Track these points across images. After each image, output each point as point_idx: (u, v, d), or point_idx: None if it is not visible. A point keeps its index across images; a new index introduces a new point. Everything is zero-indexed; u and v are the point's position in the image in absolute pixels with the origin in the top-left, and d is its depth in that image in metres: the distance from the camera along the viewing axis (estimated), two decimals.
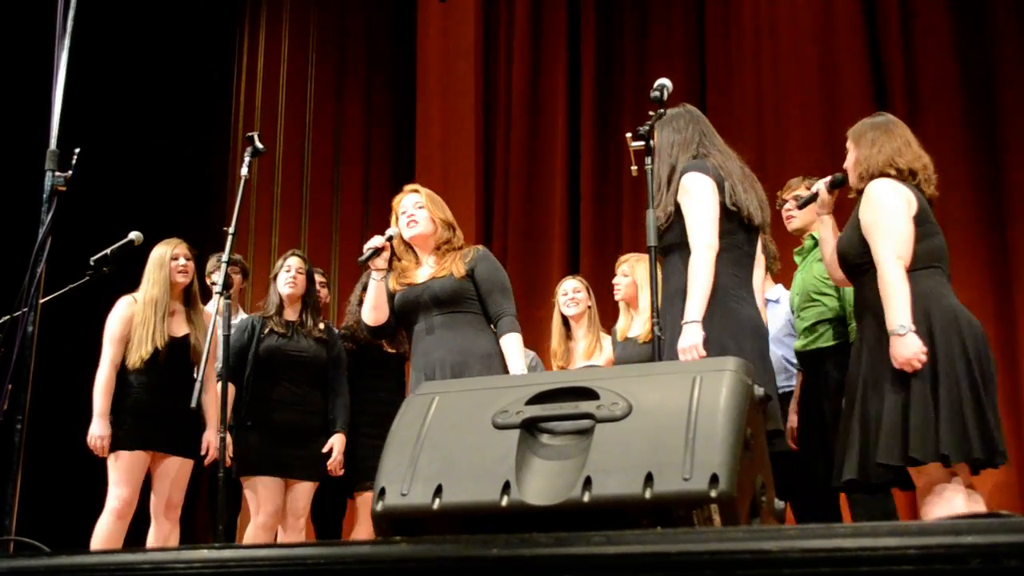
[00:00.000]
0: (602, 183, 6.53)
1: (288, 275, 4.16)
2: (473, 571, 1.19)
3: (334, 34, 7.58)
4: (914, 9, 5.74)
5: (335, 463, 4.07)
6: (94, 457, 3.88)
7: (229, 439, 3.77)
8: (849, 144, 3.11)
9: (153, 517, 3.94)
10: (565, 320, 4.38)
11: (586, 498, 1.54)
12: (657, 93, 3.03)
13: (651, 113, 3.04)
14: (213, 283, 4.50)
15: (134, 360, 3.89)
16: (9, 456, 2.43)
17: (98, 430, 3.83)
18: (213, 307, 4.46)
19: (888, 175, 2.93)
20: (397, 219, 3.55)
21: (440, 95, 7.19)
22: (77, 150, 2.66)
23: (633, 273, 4.21)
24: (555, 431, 1.69)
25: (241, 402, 4.02)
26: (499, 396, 1.76)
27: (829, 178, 3.27)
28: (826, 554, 1.05)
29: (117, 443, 3.84)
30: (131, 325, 3.94)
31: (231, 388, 3.80)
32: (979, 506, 2.77)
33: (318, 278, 4.46)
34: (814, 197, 3.30)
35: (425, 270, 3.50)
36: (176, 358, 3.96)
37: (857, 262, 2.92)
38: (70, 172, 2.64)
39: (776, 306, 4.03)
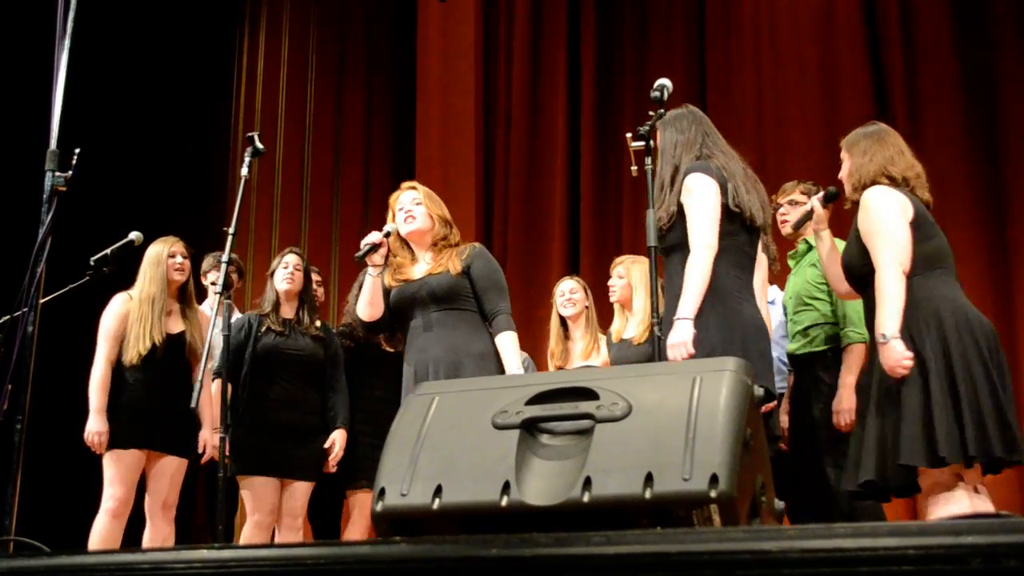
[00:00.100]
0: (602, 183, 6.53)
1: (286, 271, 4.16)
2: (473, 571, 1.19)
3: (334, 34, 7.58)
4: (914, 9, 5.74)
5: (336, 459, 4.07)
6: (94, 457, 3.88)
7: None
8: (843, 154, 3.12)
9: (148, 517, 3.93)
10: (563, 321, 4.38)
11: (586, 498, 1.54)
12: (657, 93, 3.03)
13: (651, 113, 3.04)
14: (213, 283, 4.51)
15: (131, 356, 3.88)
16: (9, 456, 2.43)
17: (95, 426, 3.82)
18: (207, 306, 4.49)
19: (881, 184, 2.94)
20: (394, 215, 3.56)
21: (440, 95, 7.19)
22: (77, 150, 2.66)
23: (628, 275, 4.21)
24: (555, 431, 1.69)
25: (238, 401, 4.01)
26: (499, 396, 1.76)
27: (822, 193, 3.28)
28: (826, 554, 1.05)
29: (112, 442, 3.83)
30: (127, 322, 3.93)
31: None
32: (987, 507, 2.76)
33: (314, 276, 4.46)
34: (810, 215, 3.31)
35: (421, 266, 3.51)
36: (172, 355, 3.96)
37: (862, 272, 2.91)
38: (70, 172, 2.63)
39: (771, 307, 4.05)
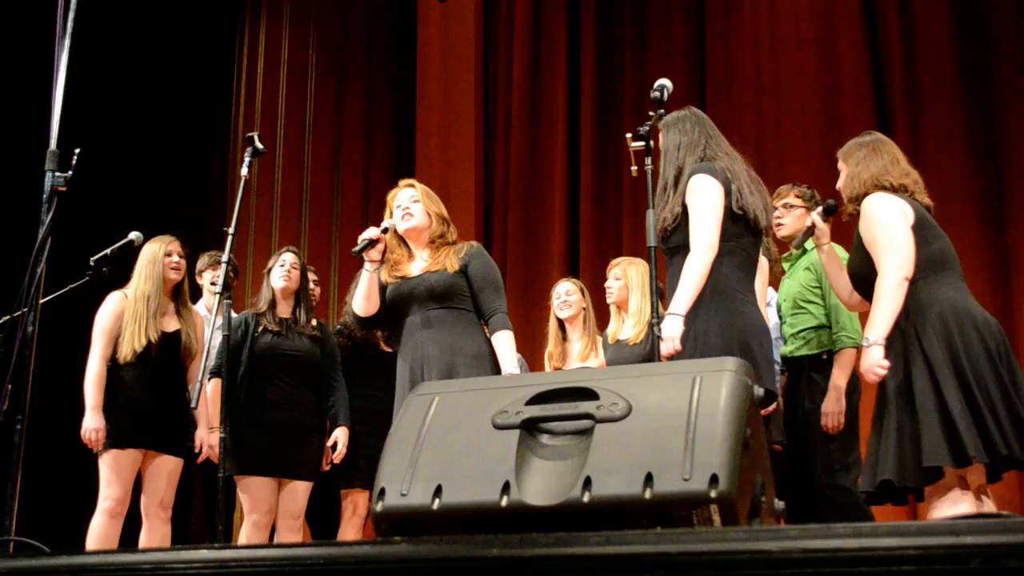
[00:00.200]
0: (602, 183, 6.53)
1: (283, 270, 4.16)
2: (473, 571, 1.19)
3: (334, 34, 7.58)
4: (914, 9, 5.74)
5: (339, 456, 4.06)
6: (94, 456, 3.87)
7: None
8: (840, 165, 3.14)
9: (145, 517, 3.92)
10: (561, 323, 4.38)
11: (586, 498, 1.54)
12: (657, 93, 3.03)
13: (651, 113, 3.04)
14: (213, 283, 4.50)
15: (126, 353, 3.86)
16: (9, 456, 2.43)
17: (92, 423, 3.81)
18: (202, 305, 4.49)
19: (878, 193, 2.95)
20: (392, 213, 3.57)
21: (440, 95, 7.19)
22: (77, 150, 2.66)
23: (625, 276, 4.22)
24: (555, 431, 1.69)
25: (234, 400, 4.01)
26: (499, 396, 1.76)
27: (821, 208, 3.30)
28: (826, 554, 1.05)
29: (109, 441, 3.82)
30: (122, 320, 3.92)
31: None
32: (991, 509, 2.76)
33: (311, 276, 4.46)
34: (811, 231, 3.32)
35: (418, 264, 3.52)
36: (167, 354, 3.95)
37: (870, 279, 2.91)
38: (70, 172, 2.64)
39: (768, 309, 4.09)
